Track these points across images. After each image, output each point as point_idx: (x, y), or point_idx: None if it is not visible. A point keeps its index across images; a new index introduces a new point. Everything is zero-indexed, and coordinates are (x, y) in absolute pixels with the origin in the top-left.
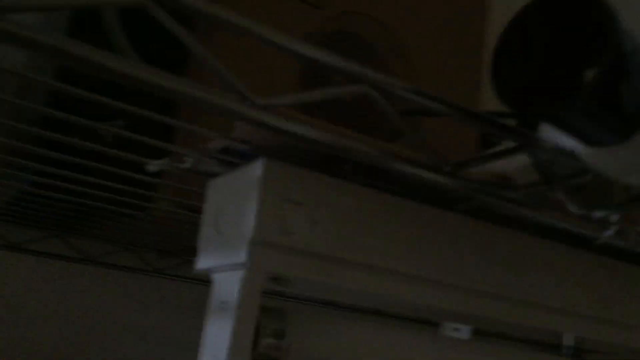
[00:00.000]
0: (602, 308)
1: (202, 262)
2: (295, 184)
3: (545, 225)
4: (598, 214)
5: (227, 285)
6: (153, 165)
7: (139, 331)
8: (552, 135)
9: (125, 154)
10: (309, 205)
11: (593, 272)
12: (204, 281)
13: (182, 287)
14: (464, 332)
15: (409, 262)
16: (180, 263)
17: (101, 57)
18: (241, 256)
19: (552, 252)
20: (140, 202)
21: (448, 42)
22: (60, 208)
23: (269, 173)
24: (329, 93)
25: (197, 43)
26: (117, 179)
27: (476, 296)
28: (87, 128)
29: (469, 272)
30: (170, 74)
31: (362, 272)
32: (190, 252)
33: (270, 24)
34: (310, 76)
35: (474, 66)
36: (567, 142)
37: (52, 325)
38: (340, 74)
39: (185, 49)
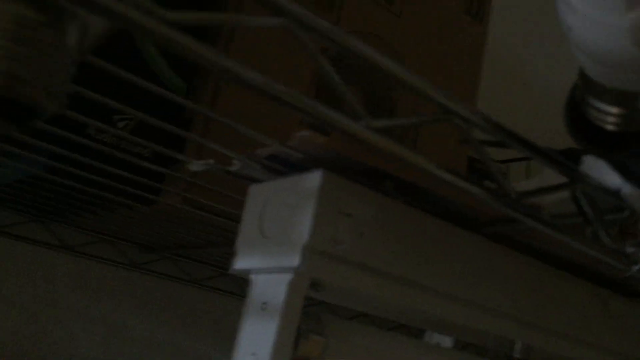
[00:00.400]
0: (597, 336)
1: (243, 263)
2: (347, 196)
3: (560, 255)
4: (630, 249)
5: (271, 287)
6: (195, 165)
7: (108, 325)
8: (595, 171)
9: (138, 149)
10: (357, 217)
11: (587, 305)
12: (181, 279)
13: (157, 284)
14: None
15: (446, 281)
16: (159, 259)
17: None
18: (292, 261)
19: (568, 283)
20: (148, 195)
21: (447, 57)
22: (58, 193)
23: (326, 184)
24: (421, 120)
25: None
26: (127, 169)
27: (515, 321)
28: (101, 116)
29: (504, 297)
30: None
31: (399, 286)
32: (174, 248)
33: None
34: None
35: (471, 76)
36: (612, 180)
37: (20, 311)
38: (428, 100)
39: None
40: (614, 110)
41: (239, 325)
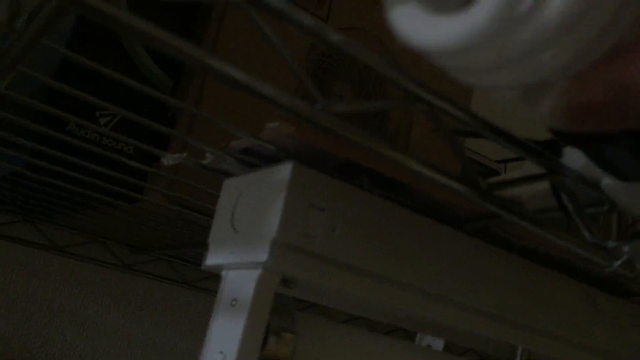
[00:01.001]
0: (586, 337)
1: (214, 258)
2: (319, 190)
3: (547, 252)
4: (611, 243)
5: (241, 283)
6: (169, 159)
7: (98, 326)
8: (575, 163)
9: (121, 145)
10: (330, 211)
11: (575, 303)
12: (174, 280)
13: (148, 285)
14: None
15: (420, 276)
16: (149, 260)
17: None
18: (261, 255)
19: (556, 282)
20: (131, 193)
21: None
22: (43, 193)
23: (296, 176)
24: (386, 104)
25: (277, 39)
26: (110, 166)
27: (486, 317)
28: (84, 112)
29: (477, 292)
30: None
31: (374, 283)
32: (164, 249)
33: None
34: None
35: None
36: (592, 171)
37: (11, 311)
38: (400, 88)
39: None
40: None
41: (209, 323)
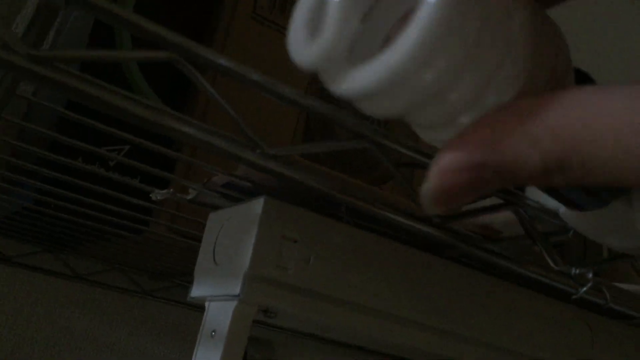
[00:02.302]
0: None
1: (197, 290)
2: (292, 222)
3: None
4: (575, 270)
5: (219, 315)
6: (157, 194)
7: (123, 352)
8: (537, 194)
9: (127, 179)
10: (303, 243)
11: (572, 324)
12: (193, 305)
13: (170, 310)
14: None
15: (397, 304)
16: (170, 286)
17: (114, 97)
18: (235, 288)
19: (537, 303)
20: (137, 225)
21: None
22: (57, 225)
23: (268, 211)
24: (331, 146)
25: (218, 95)
26: (115, 202)
27: (464, 342)
28: (91, 152)
29: (456, 317)
30: (184, 118)
31: (350, 311)
32: (181, 275)
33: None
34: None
35: None
36: (552, 202)
37: (37, 341)
38: (344, 127)
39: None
40: None
41: (193, 354)
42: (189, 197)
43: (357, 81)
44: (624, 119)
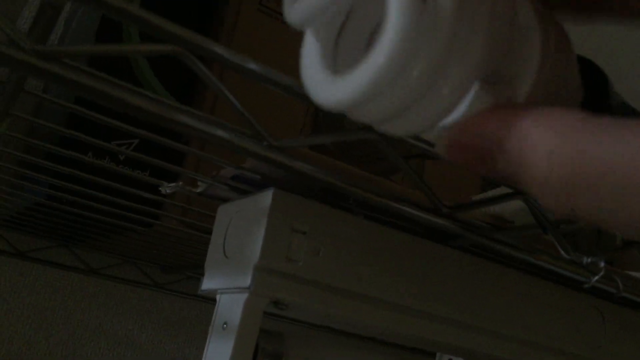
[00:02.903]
0: (591, 349)
1: (208, 283)
2: (301, 214)
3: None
4: (587, 259)
5: (230, 307)
6: (166, 188)
7: (136, 344)
8: None
9: (137, 172)
10: (313, 235)
11: (584, 313)
12: (205, 298)
13: (183, 303)
14: None
15: (407, 295)
16: (182, 279)
17: (121, 91)
18: (246, 280)
19: (549, 292)
20: (148, 219)
21: None
22: (69, 220)
23: (277, 203)
24: (338, 137)
25: (224, 87)
26: (126, 196)
27: (473, 331)
28: (101, 146)
29: (467, 307)
30: (189, 111)
31: (360, 302)
32: (193, 268)
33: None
34: (322, 112)
35: None
36: None
37: (52, 334)
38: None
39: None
40: None
41: (205, 346)
42: (198, 190)
43: (340, 93)
44: None
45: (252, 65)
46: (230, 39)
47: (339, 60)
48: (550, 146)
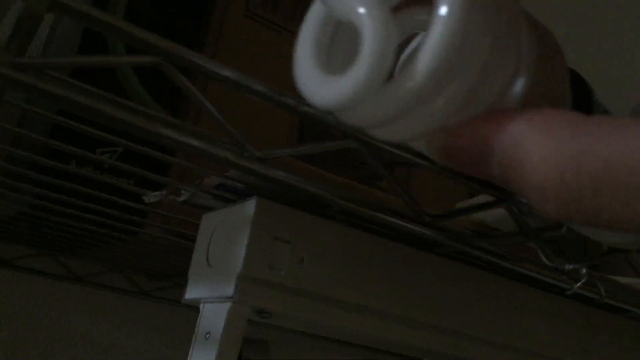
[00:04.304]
0: (576, 354)
1: (192, 292)
2: (284, 223)
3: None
4: (569, 266)
5: (214, 317)
6: (150, 197)
7: (123, 353)
8: None
9: (121, 180)
10: (296, 244)
11: (570, 318)
12: (192, 306)
13: (169, 310)
14: None
15: (392, 301)
16: (168, 286)
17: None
18: (229, 289)
19: (534, 298)
20: (132, 227)
21: None
22: (54, 229)
23: (260, 212)
24: (320, 147)
25: (204, 98)
26: (110, 205)
27: (458, 337)
28: (86, 156)
29: (451, 314)
30: (170, 122)
31: (345, 310)
32: (180, 275)
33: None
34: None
35: None
36: None
37: (37, 342)
38: (332, 128)
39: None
40: None
41: (188, 356)
42: (182, 199)
43: (335, 93)
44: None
45: (228, 73)
46: (217, 46)
47: (334, 59)
48: (545, 152)
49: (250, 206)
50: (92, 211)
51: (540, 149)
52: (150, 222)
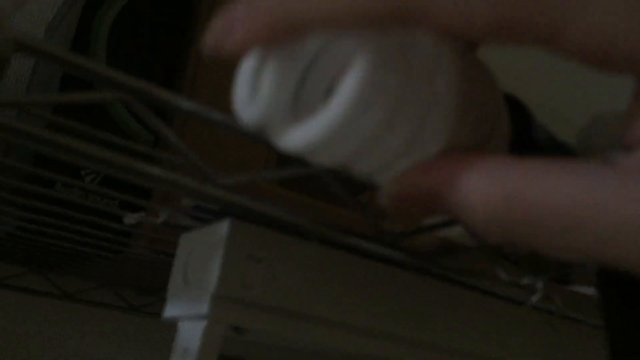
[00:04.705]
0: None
1: (170, 310)
2: (257, 243)
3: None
4: (525, 280)
5: (190, 334)
6: (129, 218)
7: None
8: None
9: (105, 201)
10: (269, 262)
11: (536, 327)
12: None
13: (159, 325)
14: None
15: (363, 316)
16: (157, 301)
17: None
18: (204, 308)
19: (501, 309)
20: (116, 247)
21: None
22: (41, 249)
23: (233, 232)
24: (281, 173)
25: (170, 132)
26: (95, 226)
27: (429, 349)
28: (69, 183)
29: (422, 326)
30: (142, 153)
31: (317, 326)
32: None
33: None
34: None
35: None
36: None
37: (28, 359)
38: None
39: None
40: None
41: None
42: (160, 220)
43: (297, 139)
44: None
45: (188, 105)
46: (198, 65)
47: (301, 102)
48: (485, 194)
49: (223, 227)
50: (77, 232)
51: (479, 193)
52: (134, 243)
